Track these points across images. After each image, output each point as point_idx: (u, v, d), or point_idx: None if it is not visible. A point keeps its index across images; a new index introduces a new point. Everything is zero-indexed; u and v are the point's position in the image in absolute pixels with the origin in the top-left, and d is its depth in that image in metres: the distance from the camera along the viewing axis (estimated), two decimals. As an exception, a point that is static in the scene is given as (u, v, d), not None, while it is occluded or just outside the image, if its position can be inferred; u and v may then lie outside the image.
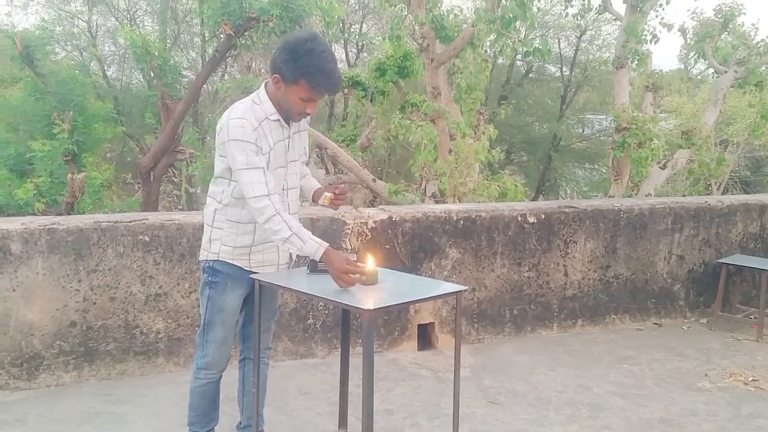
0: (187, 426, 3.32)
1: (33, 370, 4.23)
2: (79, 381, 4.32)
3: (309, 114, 3.00)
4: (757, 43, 11.17)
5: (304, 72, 2.83)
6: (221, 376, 3.26)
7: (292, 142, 3.11)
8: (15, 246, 4.12)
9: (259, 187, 2.88)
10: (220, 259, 3.09)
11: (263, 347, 3.20)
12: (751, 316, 6.01)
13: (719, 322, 5.99)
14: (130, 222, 4.42)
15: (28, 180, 10.11)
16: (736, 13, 11.48)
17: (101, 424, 3.73)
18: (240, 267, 3.10)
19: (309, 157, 3.40)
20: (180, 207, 14.01)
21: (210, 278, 3.12)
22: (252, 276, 3.06)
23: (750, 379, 4.75)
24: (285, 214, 2.91)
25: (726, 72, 11.07)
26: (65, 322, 4.27)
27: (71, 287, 4.27)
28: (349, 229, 4.92)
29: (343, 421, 3.48)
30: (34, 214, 8.68)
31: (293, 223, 2.92)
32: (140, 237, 4.41)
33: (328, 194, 3.22)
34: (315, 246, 2.90)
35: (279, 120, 3.01)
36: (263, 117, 2.96)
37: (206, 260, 3.14)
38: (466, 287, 3.22)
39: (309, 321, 4.89)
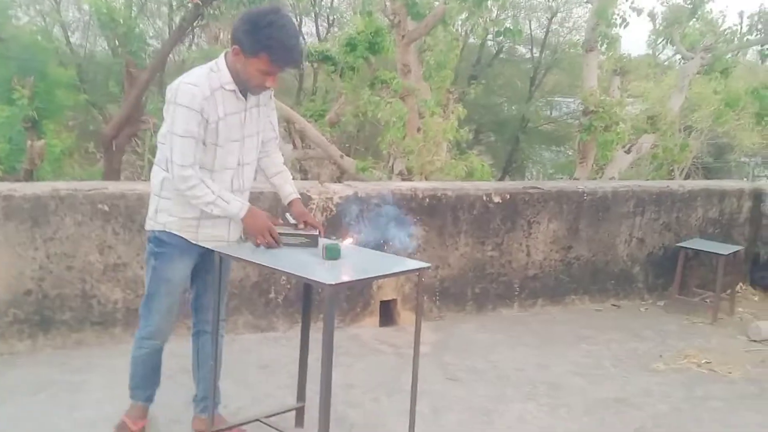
0: (129, 396, 3.32)
1: (-14, 338, 4.14)
2: (34, 350, 4.24)
3: (268, 88, 2.94)
4: (725, 30, 11.32)
5: (265, 45, 2.76)
6: (163, 346, 3.25)
7: (250, 115, 3.03)
8: (-32, 211, 4.01)
9: (186, 157, 2.86)
10: (166, 230, 3.04)
11: (217, 319, 3.16)
12: (707, 300, 6.12)
13: (676, 305, 6.10)
14: (89, 190, 4.33)
15: (-15, 146, 9.86)
16: (705, 0, 11.59)
17: (56, 392, 3.68)
18: (186, 240, 3.06)
19: (278, 134, 3.31)
20: (143, 178, 13.79)
21: (156, 249, 3.07)
22: (212, 248, 3.02)
23: (703, 362, 4.85)
24: (208, 181, 2.91)
25: (693, 58, 11.19)
26: (20, 290, 4.18)
27: (27, 255, 4.17)
28: (314, 204, 4.89)
29: (301, 394, 3.48)
30: (-8, 181, 8.47)
31: (215, 187, 2.92)
32: (99, 206, 4.32)
33: (295, 219, 3.18)
34: (239, 206, 2.95)
35: (234, 91, 2.94)
36: (218, 86, 2.90)
37: (152, 230, 3.08)
38: (429, 265, 3.21)
39: (271, 295, 4.86)
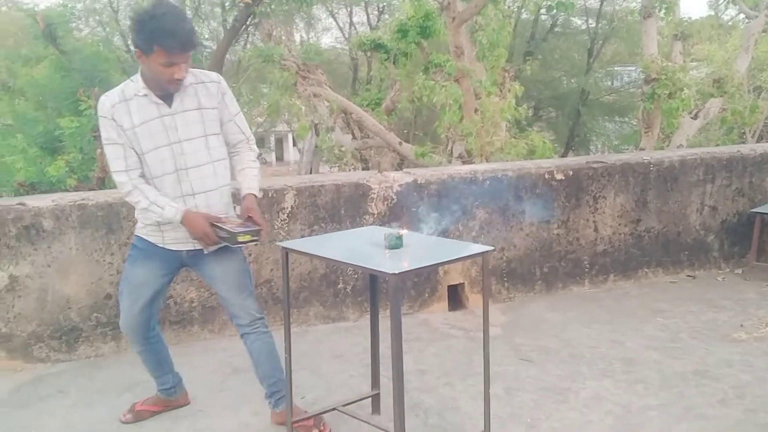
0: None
1: (72, 342, 4.33)
2: (118, 351, 4.42)
3: (178, 79, 2.95)
4: (790, -15, 10.79)
5: (153, 37, 2.82)
6: (139, 341, 3.39)
7: (183, 119, 3.05)
8: (47, 222, 4.20)
9: (116, 163, 3.02)
10: (137, 234, 3.25)
11: (251, 318, 3.25)
12: (788, 265, 5.91)
13: (754, 272, 5.90)
14: (158, 194, 4.46)
15: (59, 157, 10.23)
16: (767, -45, 11.08)
17: (141, 393, 3.82)
18: (154, 243, 3.18)
19: (248, 136, 3.29)
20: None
21: (129, 251, 3.32)
22: (279, 244, 3.09)
23: (787, 328, 4.69)
24: (143, 186, 3.03)
25: (757, 17, 10.73)
26: (101, 295, 4.36)
27: (104, 261, 4.34)
28: (374, 193, 4.92)
29: (375, 382, 3.53)
30: (67, 191, 8.80)
31: (151, 194, 3.03)
32: (169, 209, 4.45)
33: (239, 216, 3.22)
34: (173, 211, 3.02)
35: (148, 95, 3.00)
36: (132, 94, 3.00)
37: (134, 234, 3.32)
38: (492, 248, 3.20)
39: (339, 286, 4.93)
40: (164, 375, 3.56)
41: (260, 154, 3.07)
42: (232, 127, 3.23)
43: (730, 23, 17.12)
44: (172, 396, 3.61)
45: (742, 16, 12.35)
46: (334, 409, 3.40)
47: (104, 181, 8.99)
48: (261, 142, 33.97)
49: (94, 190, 7.33)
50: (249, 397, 3.77)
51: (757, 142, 14.87)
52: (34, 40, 12.08)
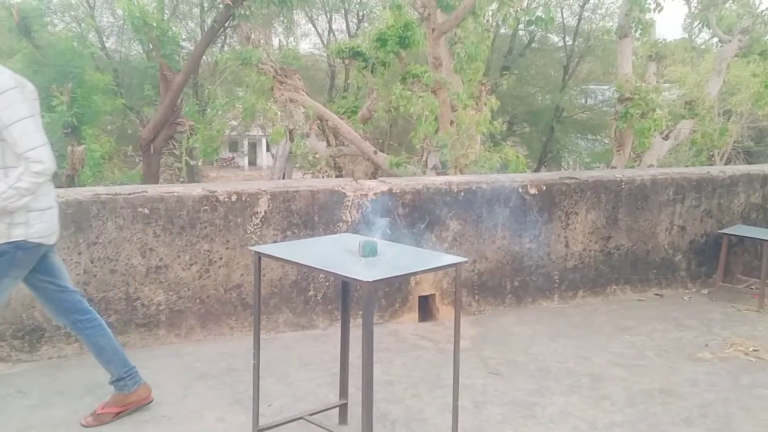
0: None
1: (35, 342, 4.24)
2: (81, 353, 4.33)
3: None
4: (762, 11, 11.01)
5: None
6: None
7: None
8: (14, 219, 4.10)
9: None
10: None
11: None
12: (753, 287, 6.01)
13: (720, 293, 5.99)
14: (129, 194, 4.40)
15: (28, 153, 10.06)
16: (741, -19, 11.31)
17: (103, 395, 3.74)
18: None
19: (23, 150, 3.01)
20: (181, 179, 13.98)
21: None
22: (252, 249, 3.06)
23: (751, 350, 4.75)
24: None
25: (730, 41, 10.95)
26: (66, 295, 4.27)
27: (71, 260, 4.26)
28: (349, 201, 4.90)
29: (344, 392, 3.50)
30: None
31: None
32: (140, 209, 4.39)
33: None
34: None
35: None
36: None
37: None
38: (466, 259, 3.21)
39: (310, 293, 4.89)
40: (108, 365, 3.51)
41: (42, 173, 3.02)
42: (8, 137, 3.00)
43: (703, 46, 17.43)
44: (124, 390, 3.53)
45: (715, 39, 12.57)
46: (300, 417, 3.37)
47: (74, 179, 8.87)
48: (234, 145, 33.76)
49: (62, 188, 7.22)
50: (214, 402, 3.73)
51: (726, 164, 15.14)
52: (7, 33, 11.90)
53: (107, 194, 4.36)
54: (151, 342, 4.51)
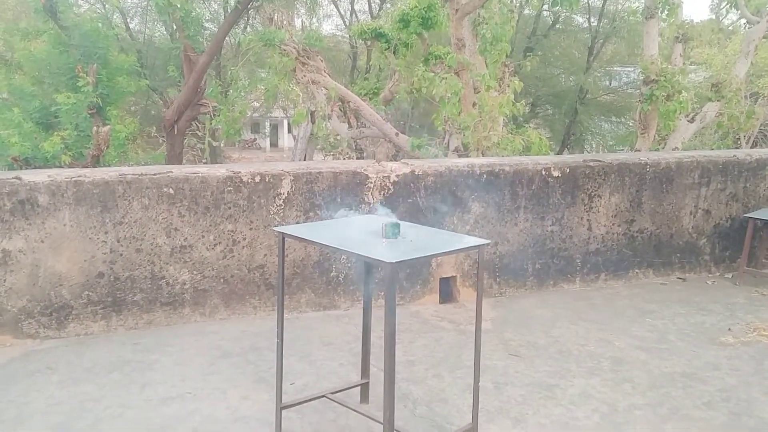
0: None
1: (62, 319, 4.33)
2: (108, 330, 4.42)
3: None
4: (793, -8, 10.80)
5: None
6: None
7: None
8: (42, 198, 4.18)
9: None
10: None
11: None
12: (778, 272, 5.95)
13: (744, 277, 5.94)
14: (155, 175, 4.45)
15: (55, 133, 10.17)
16: (771, -39, 11.08)
17: (129, 372, 3.82)
18: None
19: None
20: (204, 160, 14.06)
21: None
22: (276, 229, 3.08)
23: (774, 334, 4.72)
24: None
25: (758, 22, 10.74)
26: (93, 273, 4.35)
27: (98, 239, 4.33)
28: (371, 182, 4.92)
29: (365, 371, 3.54)
30: (61, 167, 8.76)
31: None
32: (165, 189, 4.45)
33: None
34: None
35: None
36: None
37: None
38: (488, 241, 3.21)
39: (332, 274, 4.93)
40: None
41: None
42: None
43: (730, 28, 17.13)
44: None
45: (743, 21, 12.35)
46: (323, 396, 3.41)
47: (99, 159, 8.95)
48: (256, 127, 33.82)
49: (87, 167, 7.31)
50: (237, 380, 3.78)
51: (752, 147, 14.91)
52: (33, 14, 11.97)
53: (133, 174, 4.41)
54: (176, 320, 4.58)
